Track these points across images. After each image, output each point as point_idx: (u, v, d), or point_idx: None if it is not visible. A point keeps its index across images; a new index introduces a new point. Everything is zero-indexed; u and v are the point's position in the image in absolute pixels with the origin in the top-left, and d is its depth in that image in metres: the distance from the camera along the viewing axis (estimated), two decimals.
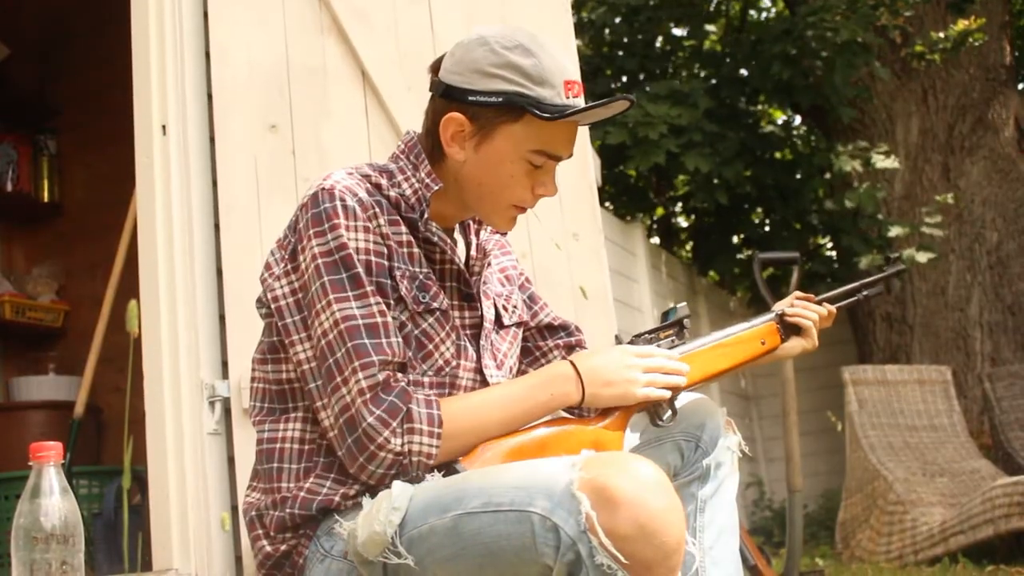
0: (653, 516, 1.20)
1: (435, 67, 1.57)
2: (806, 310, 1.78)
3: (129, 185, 2.65)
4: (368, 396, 1.38)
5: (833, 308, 1.84)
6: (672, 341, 1.64)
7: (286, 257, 1.51)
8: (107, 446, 3.86)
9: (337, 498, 1.46)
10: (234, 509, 2.31)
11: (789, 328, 1.77)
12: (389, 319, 1.44)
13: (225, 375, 2.38)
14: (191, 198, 2.44)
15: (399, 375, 1.42)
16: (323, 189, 1.48)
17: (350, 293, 1.43)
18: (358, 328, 1.41)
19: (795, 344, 1.78)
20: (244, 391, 2.31)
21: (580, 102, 1.50)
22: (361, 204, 1.48)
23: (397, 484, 1.38)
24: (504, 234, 1.74)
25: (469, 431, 1.43)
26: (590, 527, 1.20)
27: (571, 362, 1.51)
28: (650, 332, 1.65)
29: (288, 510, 1.47)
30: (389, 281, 1.48)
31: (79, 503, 1.33)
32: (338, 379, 1.41)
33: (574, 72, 1.53)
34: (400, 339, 1.45)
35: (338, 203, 1.46)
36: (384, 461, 1.38)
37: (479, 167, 1.52)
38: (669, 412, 1.62)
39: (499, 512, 1.27)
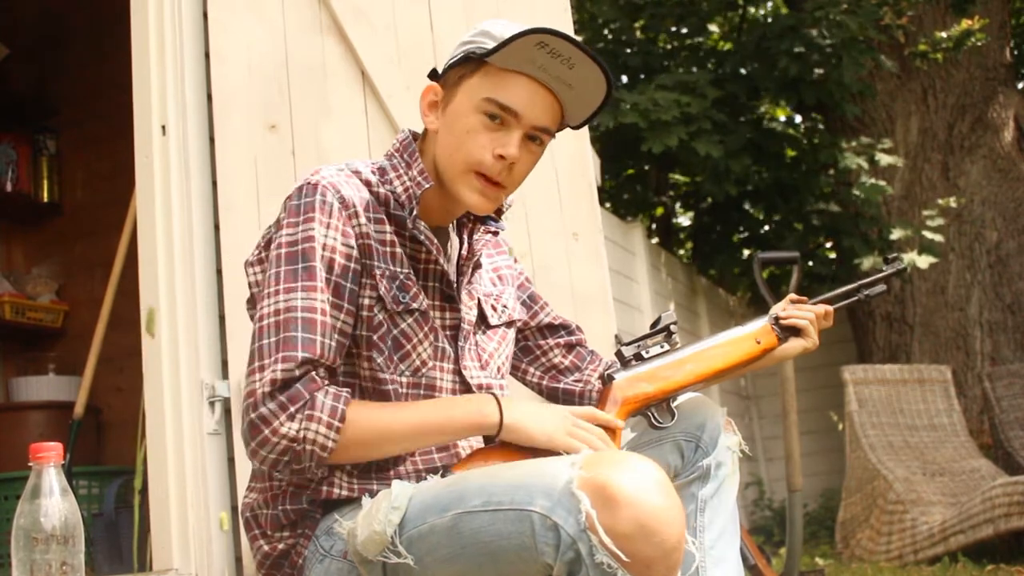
0: (653, 514, 1.20)
1: None
2: (800, 311, 1.78)
3: (129, 185, 2.65)
4: (277, 386, 1.36)
5: (830, 308, 1.84)
6: (661, 346, 1.64)
7: (261, 246, 1.53)
8: (107, 446, 3.86)
9: (324, 488, 1.45)
10: (234, 509, 2.31)
11: (787, 330, 1.77)
12: (330, 320, 1.42)
13: (225, 375, 2.38)
14: (191, 198, 2.44)
15: (318, 373, 1.39)
16: (308, 183, 1.49)
17: (299, 283, 1.42)
18: (295, 320, 1.39)
19: (796, 344, 1.78)
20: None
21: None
22: (343, 202, 1.47)
23: (397, 483, 1.38)
24: (495, 233, 1.71)
25: (373, 431, 1.40)
26: (590, 526, 1.20)
27: (494, 395, 1.49)
28: (638, 340, 1.65)
29: (280, 506, 1.47)
30: (350, 285, 1.46)
31: (79, 504, 1.33)
32: (256, 364, 1.38)
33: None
34: (336, 343, 1.42)
35: (318, 198, 1.46)
36: (276, 446, 1.35)
37: (446, 130, 1.52)
38: (668, 415, 1.62)
39: (499, 511, 1.27)
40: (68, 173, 4.28)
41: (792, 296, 1.83)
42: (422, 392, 1.52)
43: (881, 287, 1.91)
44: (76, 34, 4.22)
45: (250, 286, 1.55)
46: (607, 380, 1.60)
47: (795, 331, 1.78)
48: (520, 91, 1.48)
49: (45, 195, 4.23)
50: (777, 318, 1.77)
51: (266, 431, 1.35)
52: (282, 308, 1.40)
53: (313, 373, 1.38)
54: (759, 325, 1.74)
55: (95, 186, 4.12)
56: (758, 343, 1.72)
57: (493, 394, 1.49)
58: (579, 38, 1.59)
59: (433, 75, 1.58)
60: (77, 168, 4.25)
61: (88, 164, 4.18)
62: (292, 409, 1.35)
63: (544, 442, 1.44)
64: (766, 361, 1.76)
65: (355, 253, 1.47)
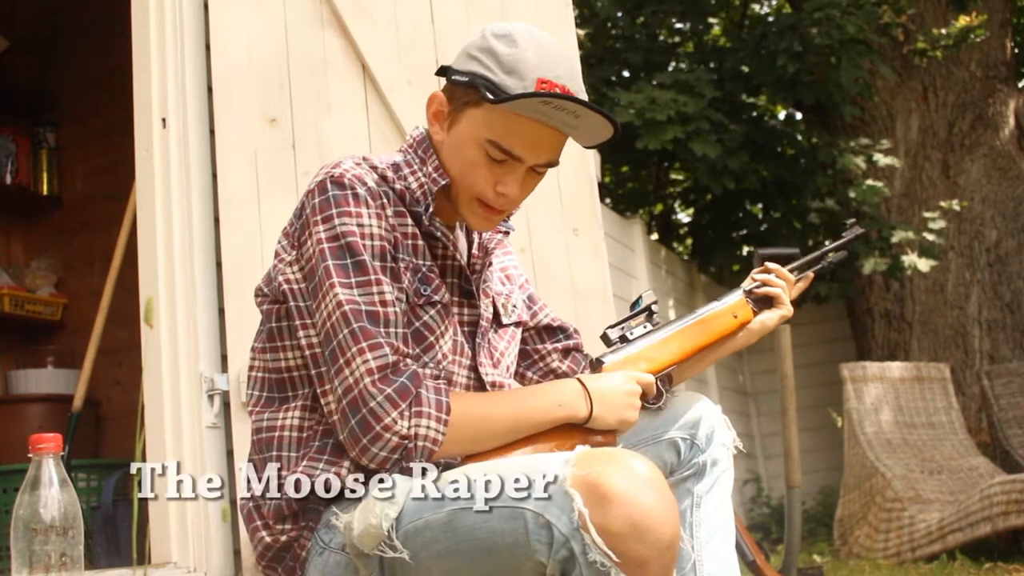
0: (646, 513, 1.20)
1: None
2: (768, 282, 1.81)
3: (128, 178, 2.65)
4: (377, 376, 1.35)
5: (803, 277, 1.90)
6: (644, 327, 1.66)
7: (294, 244, 1.50)
8: (106, 439, 3.86)
9: (329, 477, 1.44)
10: (232, 503, 2.31)
11: (760, 301, 1.80)
12: (392, 310, 1.41)
13: (224, 368, 2.38)
14: (191, 191, 2.44)
15: (410, 360, 1.40)
16: (331, 177, 1.47)
17: (353, 279, 1.41)
18: (360, 312, 1.39)
19: (772, 314, 1.80)
20: (243, 384, 2.30)
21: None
22: (371, 193, 1.47)
23: (394, 477, 1.38)
24: (506, 233, 1.72)
25: (476, 422, 1.41)
26: (582, 524, 1.19)
27: (580, 380, 1.50)
28: (620, 322, 1.67)
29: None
30: (399, 267, 1.46)
31: (78, 496, 1.32)
32: (341, 361, 1.37)
33: (565, 78, 1.45)
34: (404, 331, 1.42)
35: (348, 191, 1.45)
36: (388, 443, 1.34)
37: (450, 149, 1.52)
38: (658, 396, 1.64)
39: (493, 508, 1.27)
40: (67, 166, 4.27)
41: (757, 269, 1.85)
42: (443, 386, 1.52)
43: (843, 253, 1.97)
44: (76, 27, 4.22)
45: (287, 282, 1.49)
46: (597, 364, 1.61)
47: (768, 302, 1.80)
48: (524, 136, 1.46)
49: (44, 188, 4.22)
50: (748, 291, 1.79)
51: (378, 427, 1.33)
52: (342, 301, 1.39)
53: (410, 362, 1.38)
54: (734, 299, 1.78)
55: (95, 179, 4.12)
56: (735, 317, 1.76)
57: (582, 383, 1.49)
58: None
59: (441, 72, 1.55)
60: (77, 161, 4.25)
61: (88, 157, 4.17)
62: (402, 406, 1.34)
63: (621, 429, 1.51)
64: (748, 336, 1.78)
65: (392, 239, 1.46)
